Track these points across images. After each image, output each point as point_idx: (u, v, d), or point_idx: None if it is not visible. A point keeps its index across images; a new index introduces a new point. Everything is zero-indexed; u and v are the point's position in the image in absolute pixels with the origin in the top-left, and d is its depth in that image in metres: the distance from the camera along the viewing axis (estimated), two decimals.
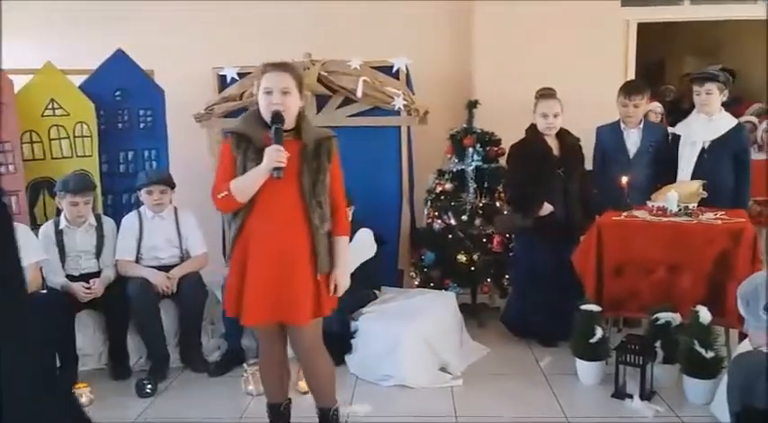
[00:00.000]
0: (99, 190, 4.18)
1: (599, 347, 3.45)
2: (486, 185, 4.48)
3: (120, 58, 4.37)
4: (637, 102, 4.12)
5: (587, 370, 3.48)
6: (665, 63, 8.56)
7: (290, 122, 2.52)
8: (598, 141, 4.29)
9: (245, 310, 2.52)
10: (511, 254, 4.37)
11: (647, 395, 3.24)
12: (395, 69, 4.50)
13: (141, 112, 4.46)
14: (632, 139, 4.17)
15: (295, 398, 2.91)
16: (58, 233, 3.75)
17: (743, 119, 4.94)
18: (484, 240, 4.43)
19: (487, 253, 4.41)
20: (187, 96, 4.59)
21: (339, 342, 3.59)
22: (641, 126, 4.17)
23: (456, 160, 4.55)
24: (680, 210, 3.64)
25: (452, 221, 4.41)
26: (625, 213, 3.73)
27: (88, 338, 3.71)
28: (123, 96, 4.42)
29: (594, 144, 4.28)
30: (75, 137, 4.25)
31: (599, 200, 4.01)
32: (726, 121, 3.98)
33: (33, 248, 3.53)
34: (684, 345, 3.22)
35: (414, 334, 3.53)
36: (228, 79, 4.62)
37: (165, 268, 3.83)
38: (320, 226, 2.52)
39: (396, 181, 4.57)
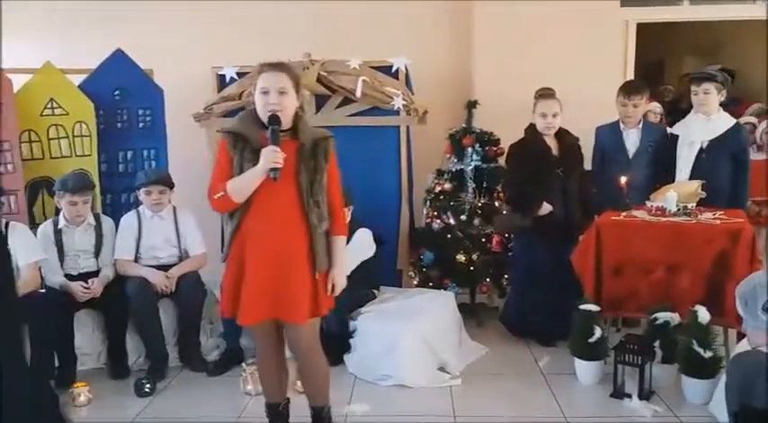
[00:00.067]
0: (98, 189, 4.18)
1: (598, 347, 3.45)
2: (485, 185, 4.49)
3: (119, 57, 4.38)
4: (636, 102, 4.12)
5: (586, 370, 3.48)
6: (664, 63, 8.55)
7: (286, 122, 2.52)
8: (597, 141, 4.28)
9: (243, 310, 2.52)
10: (510, 254, 4.37)
11: (645, 395, 3.24)
12: (394, 69, 4.49)
13: (140, 112, 4.46)
14: (631, 139, 4.16)
15: (293, 397, 2.90)
16: (57, 232, 3.75)
17: (743, 119, 4.94)
18: (483, 240, 4.43)
19: (486, 253, 4.41)
20: (186, 96, 4.60)
21: (338, 342, 3.60)
22: (640, 126, 4.17)
23: (455, 160, 4.56)
24: (679, 210, 3.64)
25: (451, 221, 4.41)
26: (624, 213, 3.72)
27: (87, 338, 3.71)
28: (122, 96, 4.42)
29: (594, 144, 4.28)
30: (74, 136, 4.25)
31: (598, 200, 4.00)
32: (724, 121, 3.97)
33: (32, 248, 3.54)
34: (683, 344, 3.22)
35: (412, 334, 3.53)
36: (228, 79, 4.62)
37: (164, 268, 3.83)
38: (318, 225, 2.52)
39: (395, 181, 4.57)
